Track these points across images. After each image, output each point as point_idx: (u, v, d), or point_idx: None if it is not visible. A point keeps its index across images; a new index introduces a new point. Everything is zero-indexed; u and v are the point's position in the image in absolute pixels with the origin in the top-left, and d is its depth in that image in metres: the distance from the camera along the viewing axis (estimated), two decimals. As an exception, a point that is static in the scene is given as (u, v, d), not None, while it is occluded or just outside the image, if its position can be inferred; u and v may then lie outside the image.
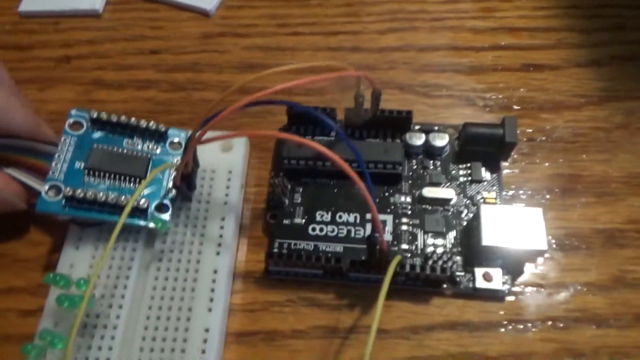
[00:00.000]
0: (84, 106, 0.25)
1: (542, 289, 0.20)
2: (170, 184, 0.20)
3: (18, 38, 0.28)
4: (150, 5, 0.29)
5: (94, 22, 0.29)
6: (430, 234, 0.20)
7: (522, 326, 0.19)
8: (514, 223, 0.18)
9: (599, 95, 0.24)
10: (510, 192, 0.22)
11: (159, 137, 0.20)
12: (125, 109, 0.25)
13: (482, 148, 0.21)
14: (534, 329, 0.19)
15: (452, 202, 0.21)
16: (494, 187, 0.21)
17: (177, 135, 0.21)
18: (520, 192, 0.22)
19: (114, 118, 0.20)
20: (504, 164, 0.22)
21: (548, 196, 0.22)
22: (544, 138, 0.23)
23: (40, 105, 0.26)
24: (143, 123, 0.20)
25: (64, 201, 0.19)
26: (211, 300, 0.18)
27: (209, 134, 0.17)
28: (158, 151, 0.20)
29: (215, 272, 0.19)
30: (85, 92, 0.26)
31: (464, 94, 0.25)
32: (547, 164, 0.22)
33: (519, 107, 0.24)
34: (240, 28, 0.28)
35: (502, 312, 0.19)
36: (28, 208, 0.20)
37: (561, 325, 0.19)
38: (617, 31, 0.26)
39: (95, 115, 0.20)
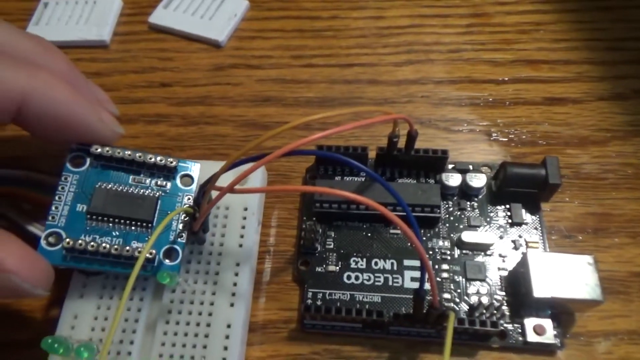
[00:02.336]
0: (92, 142, 0.24)
1: (582, 338, 0.19)
2: (180, 226, 0.18)
3: (21, 69, 0.27)
4: (158, 35, 0.29)
5: (101, 53, 0.28)
6: (472, 282, 0.19)
7: (563, 378, 0.18)
8: (565, 272, 0.17)
9: (624, 130, 0.24)
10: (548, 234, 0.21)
11: (169, 172, 0.19)
12: (136, 145, 0.24)
13: (522, 189, 0.20)
14: (576, 381, 0.18)
15: (493, 247, 0.20)
16: (536, 230, 0.20)
17: (187, 169, 0.19)
18: (553, 231, 0.21)
19: (118, 152, 0.18)
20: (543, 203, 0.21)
21: (580, 237, 0.21)
22: (571, 175, 0.22)
23: (45, 140, 0.25)
24: (150, 157, 0.19)
25: (64, 251, 0.17)
26: (224, 359, 0.17)
27: (228, 176, 0.16)
28: (168, 187, 0.19)
29: (228, 326, 0.17)
30: (92, 126, 0.25)
31: (485, 128, 0.24)
32: (576, 202, 0.22)
33: (543, 143, 0.23)
34: (253, 59, 0.27)
35: (542, 364, 0.18)
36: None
37: (604, 376, 0.18)
38: (639, 64, 0.25)
39: (97, 150, 0.18)
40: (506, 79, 0.26)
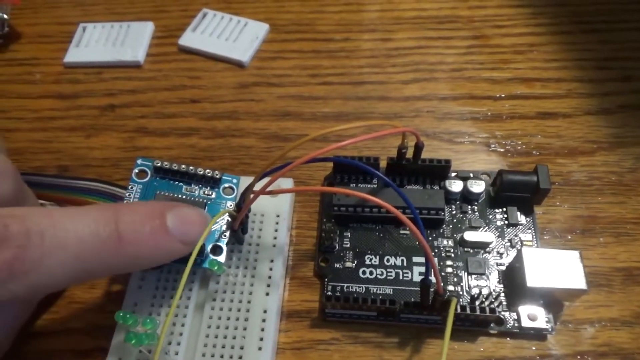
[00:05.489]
0: (129, 153, 0.27)
1: (570, 325, 0.21)
2: (224, 227, 0.21)
3: (64, 87, 0.30)
4: (187, 56, 0.31)
5: (135, 72, 0.31)
6: (473, 276, 0.21)
7: (553, 360, 0.20)
8: (554, 265, 0.20)
9: (609, 142, 0.26)
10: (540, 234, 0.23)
11: (214, 183, 0.22)
12: (170, 156, 0.27)
13: (517, 194, 0.23)
14: (564, 363, 0.20)
15: (492, 245, 0.22)
16: (530, 230, 0.23)
17: (230, 181, 0.22)
18: (545, 231, 0.23)
19: (174, 166, 0.22)
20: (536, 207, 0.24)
21: (569, 237, 0.23)
22: (562, 182, 0.25)
23: (86, 152, 0.27)
24: (200, 171, 0.22)
25: None
26: (261, 339, 0.20)
27: (263, 183, 0.19)
28: (213, 196, 0.22)
29: (265, 311, 0.20)
30: (130, 139, 0.28)
31: (485, 140, 0.27)
32: (566, 206, 0.24)
33: (537, 153, 0.26)
34: (274, 78, 0.30)
35: (534, 348, 0.21)
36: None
37: (589, 359, 0.20)
38: (624, 82, 0.28)
39: (158, 164, 0.22)
40: (503, 95, 0.28)
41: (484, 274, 0.21)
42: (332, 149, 0.18)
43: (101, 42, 0.32)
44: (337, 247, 0.23)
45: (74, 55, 0.31)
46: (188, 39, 0.32)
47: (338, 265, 0.22)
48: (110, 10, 0.34)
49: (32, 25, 0.34)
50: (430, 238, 0.23)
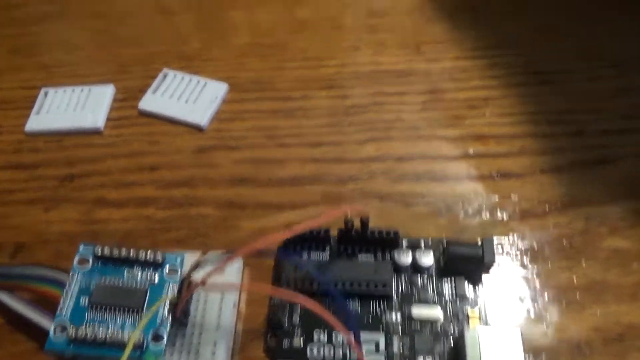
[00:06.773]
0: (87, 226, 0.28)
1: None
2: (165, 313, 0.21)
3: (24, 157, 0.31)
4: (147, 119, 0.32)
5: (95, 139, 0.31)
6: (421, 354, 0.22)
7: None
8: (495, 343, 0.20)
9: (561, 202, 0.26)
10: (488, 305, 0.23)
11: (157, 265, 0.22)
12: (126, 229, 0.27)
13: (464, 266, 0.23)
14: None
15: (440, 321, 0.22)
16: (476, 303, 0.23)
17: (174, 262, 0.23)
18: (494, 301, 0.24)
19: (115, 253, 0.22)
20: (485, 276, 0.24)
21: (517, 307, 0.24)
22: (513, 248, 0.25)
23: (45, 226, 0.27)
24: (142, 255, 0.22)
25: (68, 340, 0.20)
26: None
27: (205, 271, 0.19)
28: (156, 278, 0.22)
29: None
30: (88, 211, 0.28)
31: (438, 201, 0.27)
32: (516, 273, 0.24)
33: (488, 217, 0.26)
34: (232, 140, 0.30)
35: None
36: None
37: None
38: (576, 137, 0.28)
39: (99, 252, 0.22)
40: (456, 154, 0.29)
41: (431, 351, 0.22)
42: (275, 239, 0.19)
43: (62, 108, 0.32)
44: (286, 324, 0.23)
45: (34, 122, 0.32)
46: (148, 102, 0.32)
47: (286, 342, 0.22)
48: (73, 72, 0.35)
49: (-5, 91, 0.34)
50: (377, 311, 0.23)
